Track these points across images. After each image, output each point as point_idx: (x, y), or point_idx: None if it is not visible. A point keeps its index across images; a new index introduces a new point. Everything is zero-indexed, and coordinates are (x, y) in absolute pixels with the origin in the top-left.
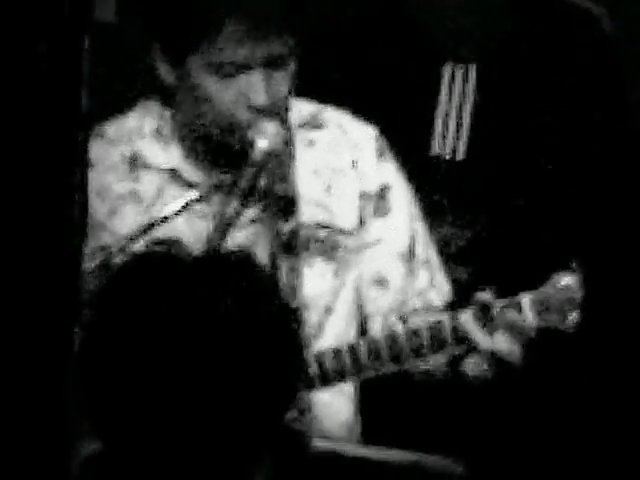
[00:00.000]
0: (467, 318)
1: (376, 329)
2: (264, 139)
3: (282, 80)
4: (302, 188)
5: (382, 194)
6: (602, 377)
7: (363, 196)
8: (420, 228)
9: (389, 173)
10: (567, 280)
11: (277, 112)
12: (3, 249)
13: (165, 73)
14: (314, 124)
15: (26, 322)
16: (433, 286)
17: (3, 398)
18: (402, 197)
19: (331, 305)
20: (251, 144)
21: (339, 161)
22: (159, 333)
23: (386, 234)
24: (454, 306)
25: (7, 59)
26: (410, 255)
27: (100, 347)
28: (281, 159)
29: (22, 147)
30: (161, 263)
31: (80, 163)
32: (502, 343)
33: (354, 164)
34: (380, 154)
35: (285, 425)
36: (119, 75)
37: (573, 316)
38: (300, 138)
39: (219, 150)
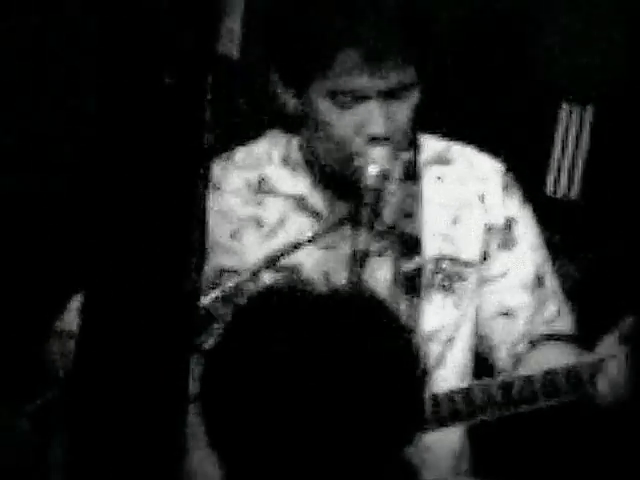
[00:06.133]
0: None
1: (503, 358)
2: (374, 165)
3: (402, 110)
4: (428, 222)
5: (508, 227)
6: None
7: (489, 229)
8: (548, 260)
9: (514, 207)
10: None
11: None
12: (126, 270)
13: (288, 102)
14: (442, 161)
15: (144, 336)
16: (560, 316)
17: (121, 422)
18: (528, 230)
19: (452, 336)
20: (362, 171)
21: (466, 193)
22: (282, 369)
23: (512, 266)
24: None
25: (134, 91)
26: (537, 285)
27: (224, 379)
28: (407, 195)
29: (146, 174)
30: (288, 300)
31: (202, 195)
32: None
33: (481, 197)
34: (506, 188)
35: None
36: (245, 106)
37: None
38: (428, 175)
39: (338, 180)
